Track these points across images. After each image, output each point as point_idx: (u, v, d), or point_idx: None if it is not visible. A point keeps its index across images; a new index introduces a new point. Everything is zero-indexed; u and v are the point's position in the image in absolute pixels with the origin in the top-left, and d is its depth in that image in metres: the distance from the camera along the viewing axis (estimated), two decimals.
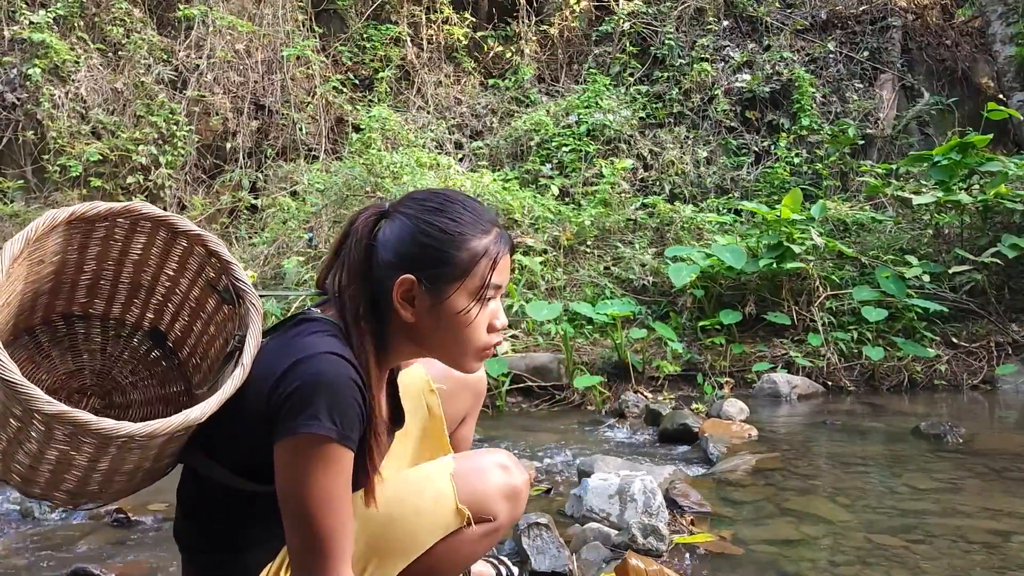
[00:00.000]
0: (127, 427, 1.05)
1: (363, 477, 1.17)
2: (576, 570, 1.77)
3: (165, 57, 6.92)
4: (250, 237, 6.28)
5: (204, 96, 6.95)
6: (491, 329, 1.20)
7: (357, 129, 7.04)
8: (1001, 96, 7.81)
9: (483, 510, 1.27)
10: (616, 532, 1.95)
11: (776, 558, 1.94)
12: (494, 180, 6.16)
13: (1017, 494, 2.46)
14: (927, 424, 3.42)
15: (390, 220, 1.20)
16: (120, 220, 1.24)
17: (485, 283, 1.17)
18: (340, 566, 1.05)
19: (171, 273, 1.36)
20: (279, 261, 5.85)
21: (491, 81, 8.23)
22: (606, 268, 5.89)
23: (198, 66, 7.00)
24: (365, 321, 1.16)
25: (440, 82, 8.20)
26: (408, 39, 8.10)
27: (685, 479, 2.43)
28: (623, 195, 6.62)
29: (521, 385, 4.84)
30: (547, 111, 7.48)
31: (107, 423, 1.04)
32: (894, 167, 6.38)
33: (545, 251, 5.80)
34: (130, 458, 1.14)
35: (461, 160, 7.65)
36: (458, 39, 8.28)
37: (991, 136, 5.32)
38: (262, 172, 7.03)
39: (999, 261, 5.05)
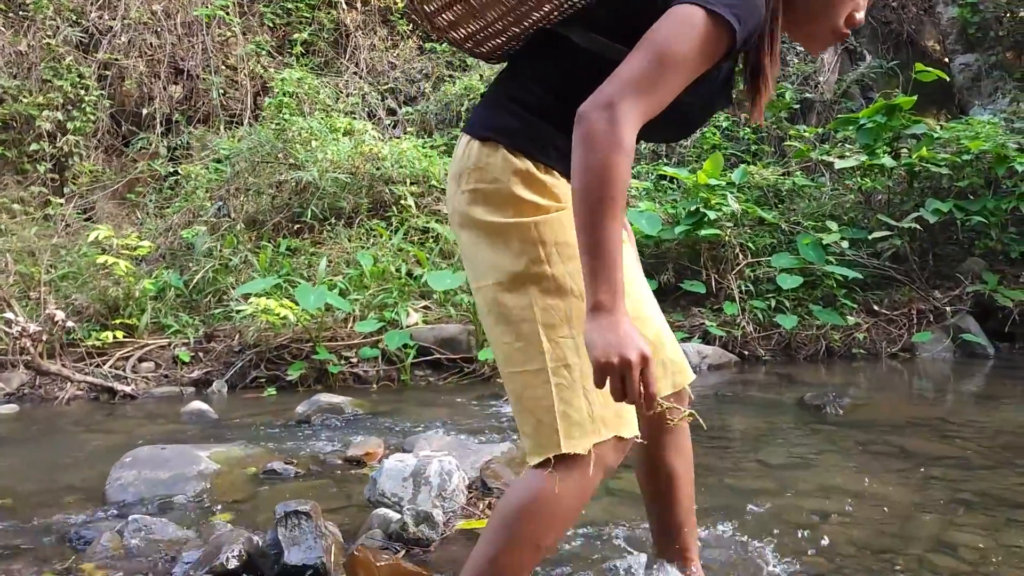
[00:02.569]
0: None
1: (723, 99, 1.30)
2: (332, 563, 1.61)
3: (74, 18, 6.60)
4: (160, 207, 6.04)
5: (117, 59, 6.65)
6: (849, 21, 1.28)
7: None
8: (946, 60, 7.64)
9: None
10: (397, 519, 1.80)
11: (560, 545, 1.80)
12: (414, 147, 5.93)
13: (866, 470, 2.33)
14: (811, 395, 3.30)
15: None
16: None
17: None
18: (636, 110, 1.06)
19: None
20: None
21: (428, 45, 7.95)
22: None
23: (111, 27, 6.69)
24: None
25: (375, 46, 7.93)
26: (342, 0, 7.79)
27: (504, 460, 2.28)
28: None
29: (430, 358, 4.70)
30: (480, 76, 7.23)
31: None
32: (825, 131, 6.21)
33: None
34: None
35: (395, 126, 7.41)
36: (394, 0, 7.98)
37: (915, 97, 5.14)
38: (181, 139, 6.76)
39: (919, 226, 4.91)
